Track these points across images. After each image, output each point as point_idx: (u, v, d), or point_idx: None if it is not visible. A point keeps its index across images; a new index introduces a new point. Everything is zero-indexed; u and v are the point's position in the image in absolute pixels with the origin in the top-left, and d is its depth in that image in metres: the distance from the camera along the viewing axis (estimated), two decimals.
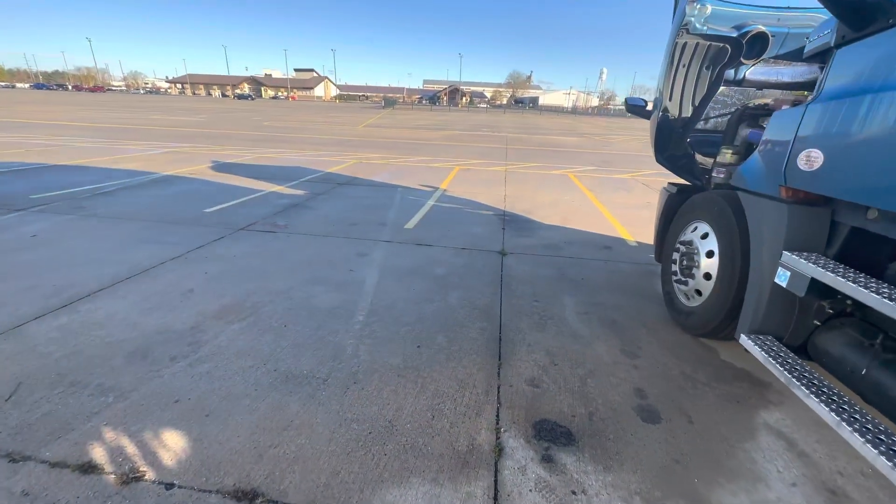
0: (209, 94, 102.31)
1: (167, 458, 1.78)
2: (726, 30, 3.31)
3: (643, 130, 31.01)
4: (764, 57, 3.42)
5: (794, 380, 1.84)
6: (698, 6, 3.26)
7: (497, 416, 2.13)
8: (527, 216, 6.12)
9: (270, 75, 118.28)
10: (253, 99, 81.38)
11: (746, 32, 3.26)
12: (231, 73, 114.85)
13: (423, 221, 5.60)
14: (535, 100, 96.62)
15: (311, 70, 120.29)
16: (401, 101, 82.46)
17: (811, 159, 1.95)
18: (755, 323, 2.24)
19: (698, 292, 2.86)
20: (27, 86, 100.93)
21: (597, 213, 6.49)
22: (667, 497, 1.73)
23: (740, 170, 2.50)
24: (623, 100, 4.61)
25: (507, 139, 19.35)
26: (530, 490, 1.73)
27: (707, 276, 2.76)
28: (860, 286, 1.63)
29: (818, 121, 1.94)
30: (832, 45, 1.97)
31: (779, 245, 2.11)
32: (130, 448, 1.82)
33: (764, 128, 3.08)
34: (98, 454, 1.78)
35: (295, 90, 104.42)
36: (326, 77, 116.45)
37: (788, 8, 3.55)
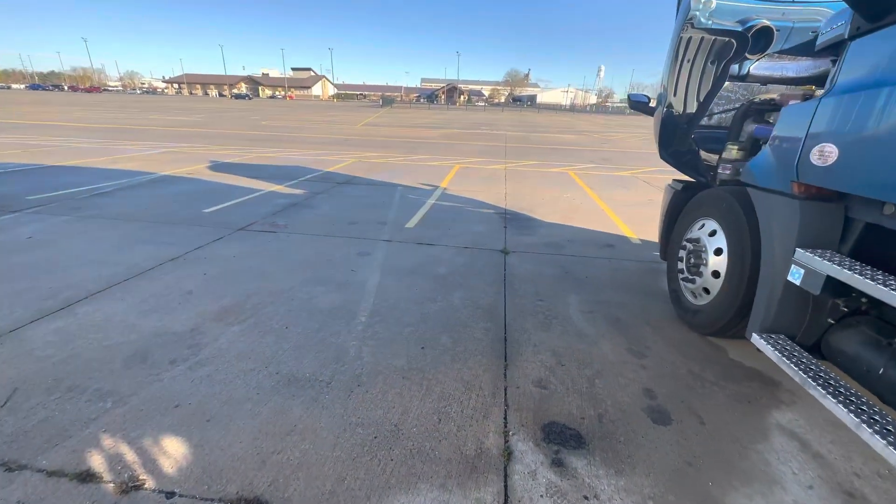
0: (206, 94, 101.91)
1: (168, 466, 1.73)
2: (731, 24, 3.26)
3: (641, 127, 30.98)
4: (768, 52, 3.38)
5: (809, 380, 1.80)
6: (703, 0, 3.21)
7: (505, 418, 2.09)
8: (528, 214, 6.08)
9: (268, 74, 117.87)
10: (250, 98, 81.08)
11: (751, 27, 3.21)
12: (228, 73, 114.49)
13: (424, 220, 5.55)
14: (533, 98, 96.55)
15: (309, 69, 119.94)
16: (399, 99, 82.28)
17: (825, 154, 1.90)
18: (767, 321, 2.20)
19: (706, 290, 2.82)
20: (23, 86, 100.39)
21: (598, 211, 6.44)
22: (681, 501, 1.69)
23: (749, 166, 2.46)
24: (625, 96, 4.56)
25: (506, 137, 19.29)
26: (541, 496, 1.68)
27: (715, 274, 2.71)
28: (880, 284, 1.58)
29: (832, 115, 1.89)
30: (846, 36, 1.93)
31: (791, 242, 2.06)
32: (130, 455, 1.77)
33: (770, 123, 3.05)
34: (96, 462, 1.73)
35: (292, 89, 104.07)
36: (324, 76, 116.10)
37: (793, 2, 3.50)
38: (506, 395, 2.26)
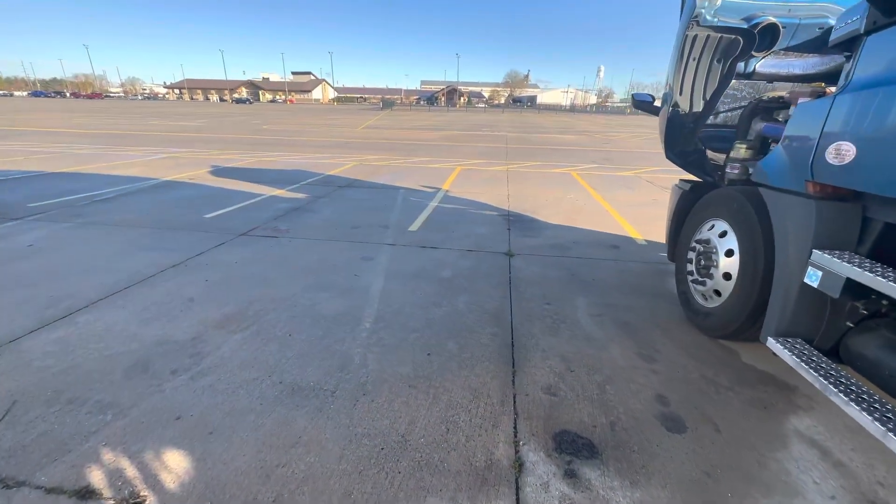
0: (207, 99, 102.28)
1: (169, 481, 1.68)
2: (736, 21, 3.22)
3: (642, 127, 30.93)
4: (775, 49, 3.33)
5: (830, 386, 1.74)
6: None
7: (515, 427, 2.03)
8: (531, 216, 6.02)
9: (268, 79, 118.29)
10: (251, 103, 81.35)
11: (757, 24, 3.16)
12: (229, 78, 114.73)
13: (427, 223, 5.51)
14: (532, 98, 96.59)
15: (309, 73, 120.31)
16: (399, 102, 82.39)
17: (841, 153, 1.85)
18: (782, 325, 2.14)
19: (717, 293, 2.76)
20: (25, 94, 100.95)
21: (602, 212, 6.39)
22: None
23: (761, 165, 2.40)
24: (626, 96, 4.52)
25: (507, 138, 19.26)
26: None
27: (727, 276, 2.65)
28: None
29: (848, 112, 1.84)
30: (861, 31, 1.87)
31: (807, 243, 2.01)
32: (130, 470, 1.72)
33: (779, 121, 3.00)
34: (96, 478, 1.69)
35: (293, 93, 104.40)
36: (324, 80, 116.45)
37: None
38: (515, 402, 2.21)
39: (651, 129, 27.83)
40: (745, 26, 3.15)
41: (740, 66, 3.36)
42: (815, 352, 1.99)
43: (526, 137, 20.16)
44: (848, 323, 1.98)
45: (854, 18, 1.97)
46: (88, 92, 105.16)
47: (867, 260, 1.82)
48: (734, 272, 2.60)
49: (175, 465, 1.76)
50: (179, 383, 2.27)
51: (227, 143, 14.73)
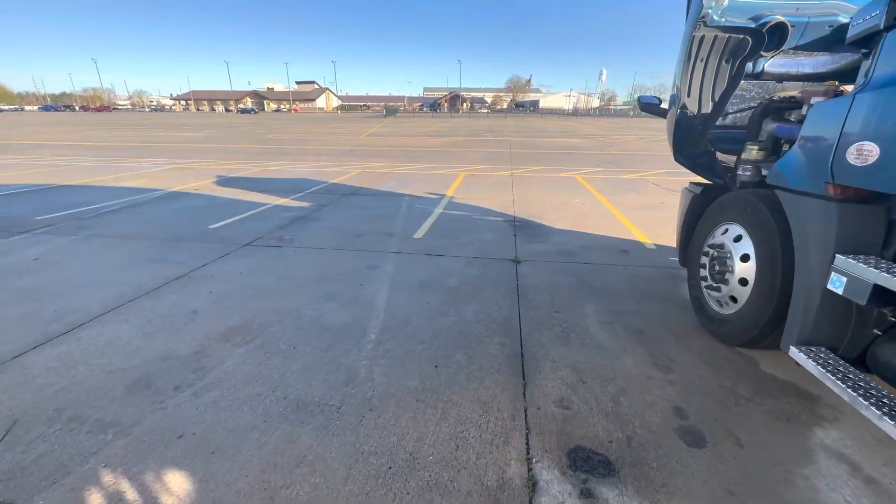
0: (213, 110, 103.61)
1: None
2: (743, 21, 3.16)
3: (646, 129, 30.80)
4: (784, 48, 3.26)
5: (859, 398, 1.65)
6: None
7: (527, 443, 1.96)
8: (537, 221, 5.96)
9: (272, 89, 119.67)
10: (256, 112, 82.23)
11: (765, 23, 3.10)
12: (234, 88, 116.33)
13: (432, 230, 5.46)
14: (535, 103, 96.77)
15: (313, 82, 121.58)
16: (402, 109, 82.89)
17: (864, 153, 1.77)
18: (804, 333, 2.05)
19: (733, 299, 2.67)
20: (35, 108, 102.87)
21: (609, 216, 6.30)
22: None
23: (777, 167, 2.32)
24: (628, 99, 4.46)
25: (511, 143, 19.25)
26: None
27: (743, 282, 2.57)
28: None
29: (870, 110, 1.77)
30: (881, 27, 1.81)
31: (829, 248, 1.93)
32: (130, 493, 1.67)
33: (791, 121, 2.92)
34: (95, 501, 1.63)
35: (297, 102, 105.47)
36: (328, 88, 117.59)
37: None
38: (526, 416, 2.13)
39: (655, 132, 27.71)
40: (754, 26, 3.09)
41: (749, 66, 3.29)
42: (841, 361, 1.90)
43: (529, 142, 20.13)
44: (875, 331, 1.89)
45: (873, 14, 1.90)
46: (97, 105, 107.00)
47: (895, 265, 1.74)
48: (751, 278, 2.51)
49: (176, 487, 1.70)
50: (182, 400, 2.22)
51: (232, 152, 14.84)
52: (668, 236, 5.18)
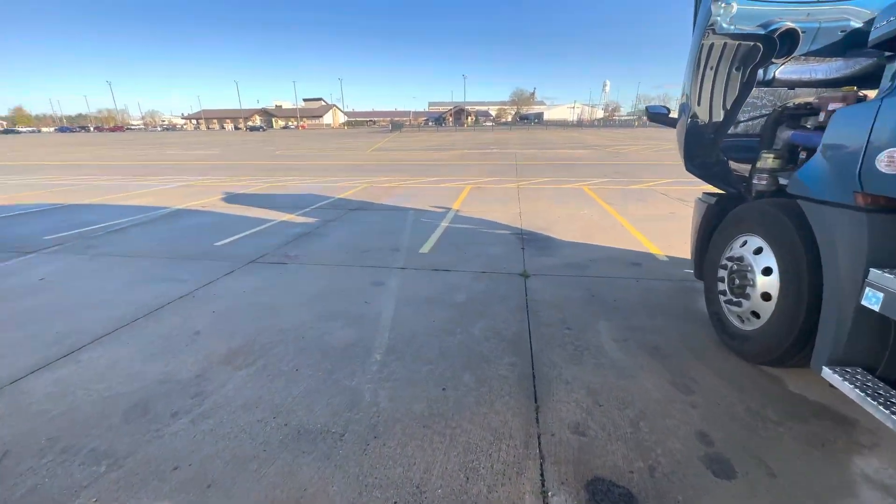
0: (222, 128, 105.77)
1: None
2: (753, 29, 3.09)
3: (651, 139, 30.72)
4: (795, 54, 3.18)
5: None
6: (723, 5, 3.05)
7: (542, 474, 1.83)
8: (545, 233, 5.86)
9: (281, 106, 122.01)
10: (264, 130, 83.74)
11: (775, 30, 3.03)
12: (243, 107, 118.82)
13: (438, 245, 5.38)
14: (539, 115, 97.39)
15: (320, 99, 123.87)
16: (407, 123, 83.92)
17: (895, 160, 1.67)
18: (837, 352, 1.92)
19: (755, 314, 2.53)
20: (52, 129, 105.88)
21: (618, 227, 6.18)
22: None
23: (799, 176, 2.22)
24: (633, 109, 4.38)
25: (516, 155, 19.27)
26: None
27: (766, 297, 2.44)
28: None
29: None
30: None
31: (861, 261, 1.81)
32: None
33: (808, 128, 2.82)
34: None
35: (304, 119, 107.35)
36: (334, 105, 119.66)
37: (818, 2, 3.31)
38: (540, 444, 2.01)
39: (660, 141, 27.62)
40: (763, 32, 3.02)
41: (759, 73, 3.22)
42: (880, 383, 1.77)
43: (535, 154, 20.14)
44: None
45: None
46: (111, 126, 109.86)
47: None
48: (774, 292, 2.38)
49: None
50: (179, 427, 2.13)
51: (241, 169, 15.02)
52: (681, 247, 5.05)
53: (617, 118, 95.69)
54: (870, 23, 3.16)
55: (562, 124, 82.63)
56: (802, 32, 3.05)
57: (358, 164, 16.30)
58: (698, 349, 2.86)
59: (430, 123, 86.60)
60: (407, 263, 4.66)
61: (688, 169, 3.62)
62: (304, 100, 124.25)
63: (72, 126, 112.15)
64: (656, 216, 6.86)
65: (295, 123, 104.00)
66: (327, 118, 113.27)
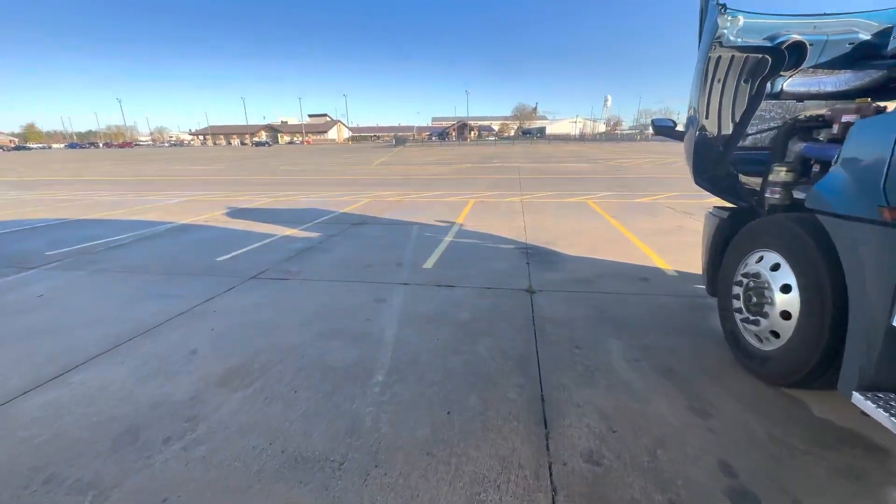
0: (229, 143, 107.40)
1: None
2: (759, 41, 3.05)
3: (653, 153, 30.79)
4: (803, 67, 3.14)
5: None
6: (730, 18, 3.02)
7: None
8: (551, 248, 5.77)
9: (286, 122, 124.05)
10: (269, 145, 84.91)
11: (782, 42, 2.99)
12: (250, 123, 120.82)
13: (442, 259, 5.30)
14: (542, 130, 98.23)
15: (325, 115, 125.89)
16: (411, 138, 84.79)
17: None
18: (867, 376, 1.80)
19: (775, 334, 2.42)
20: (62, 146, 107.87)
21: (625, 241, 6.09)
22: None
23: (818, 190, 2.13)
24: (650, 121, 4.33)
25: (520, 169, 19.32)
26: None
27: (785, 315, 2.33)
28: None
29: None
30: None
31: (890, 280, 1.70)
32: None
33: (821, 140, 2.75)
34: None
35: (309, 135, 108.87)
36: (339, 121, 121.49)
37: (825, 14, 3.29)
38: (551, 475, 1.88)
39: (663, 155, 27.68)
40: (770, 45, 2.98)
41: (767, 85, 3.18)
42: None
43: (538, 167, 20.19)
44: None
45: None
46: (120, 142, 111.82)
47: None
48: (794, 311, 2.28)
49: None
50: (171, 455, 2.02)
51: (245, 184, 15.11)
52: (690, 262, 4.94)
53: (619, 132, 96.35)
54: (879, 34, 3.13)
55: (564, 138, 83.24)
56: (810, 45, 3.01)
57: (362, 179, 16.37)
58: (714, 370, 2.74)
59: (434, 138, 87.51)
60: (410, 279, 4.57)
61: (697, 183, 3.54)
62: (310, 115, 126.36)
63: (82, 142, 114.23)
64: (663, 230, 6.76)
65: (300, 139, 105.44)
66: (332, 133, 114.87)
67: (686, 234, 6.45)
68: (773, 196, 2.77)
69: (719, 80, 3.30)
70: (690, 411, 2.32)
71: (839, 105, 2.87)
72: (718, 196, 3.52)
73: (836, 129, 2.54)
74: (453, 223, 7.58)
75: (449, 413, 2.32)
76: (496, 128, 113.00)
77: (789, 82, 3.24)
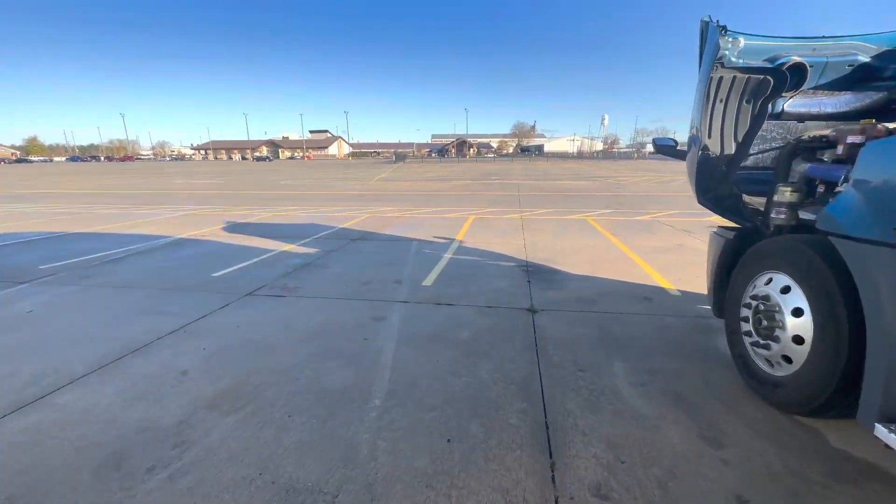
0: (230, 158, 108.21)
1: None
2: (760, 63, 3.07)
3: (651, 171, 31.09)
4: (803, 88, 3.15)
5: None
6: (731, 39, 3.04)
7: None
8: (551, 266, 5.70)
9: (287, 138, 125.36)
10: (270, 160, 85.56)
11: (783, 64, 3.00)
12: (251, 138, 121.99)
13: (442, 277, 5.22)
14: (540, 147, 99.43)
15: (326, 131, 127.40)
16: (411, 155, 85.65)
17: None
18: (890, 407, 1.72)
19: (787, 359, 2.34)
20: (63, 159, 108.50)
21: (626, 259, 6.03)
22: None
23: (830, 212, 2.08)
24: (652, 140, 4.34)
25: (519, 186, 19.42)
26: None
27: (798, 340, 2.25)
28: None
29: None
30: None
31: None
32: None
33: (825, 161, 2.73)
34: None
35: (310, 150, 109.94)
36: (340, 137, 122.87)
37: (823, 37, 3.32)
38: None
39: (660, 173, 27.94)
40: (771, 66, 3.00)
41: (769, 106, 3.18)
42: None
43: (537, 184, 20.30)
44: None
45: None
46: (121, 155, 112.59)
47: None
48: (807, 336, 2.20)
49: None
50: (154, 486, 1.91)
51: (245, 198, 15.10)
52: (692, 281, 4.88)
53: (616, 150, 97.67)
54: (877, 57, 3.15)
55: (562, 156, 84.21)
56: (810, 67, 3.02)
57: (362, 194, 16.40)
58: (724, 395, 2.64)
59: (433, 155, 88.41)
60: (409, 297, 4.49)
61: (700, 202, 3.51)
62: (311, 131, 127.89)
63: (83, 156, 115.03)
64: (663, 248, 6.72)
65: (301, 154, 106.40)
66: (332, 149, 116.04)
67: (686, 252, 6.41)
68: (778, 216, 2.73)
69: (721, 100, 3.30)
70: (702, 440, 2.22)
71: (843, 126, 2.86)
72: (722, 216, 3.48)
73: (840, 149, 2.52)
74: (453, 240, 7.53)
75: (449, 441, 2.21)
76: (495, 145, 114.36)
77: (790, 103, 3.24)
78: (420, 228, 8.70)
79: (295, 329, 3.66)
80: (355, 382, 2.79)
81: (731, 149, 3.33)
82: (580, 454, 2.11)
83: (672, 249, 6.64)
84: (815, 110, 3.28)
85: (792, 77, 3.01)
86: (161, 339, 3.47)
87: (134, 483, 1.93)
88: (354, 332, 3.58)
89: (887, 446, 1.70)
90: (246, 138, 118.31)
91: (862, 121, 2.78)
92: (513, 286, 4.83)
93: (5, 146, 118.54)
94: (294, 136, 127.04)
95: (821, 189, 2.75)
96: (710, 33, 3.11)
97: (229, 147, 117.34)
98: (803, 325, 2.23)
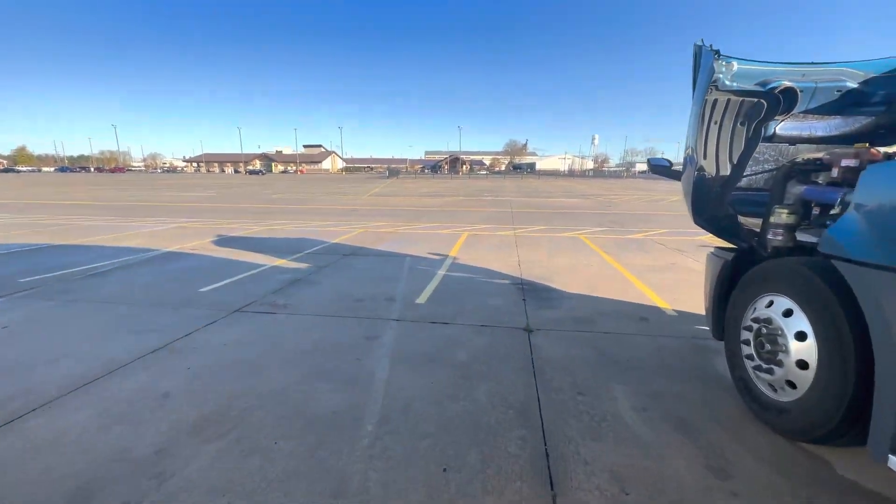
0: (222, 171, 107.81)
1: None
2: (753, 87, 3.13)
3: (641, 190, 31.61)
4: (794, 112, 3.21)
5: None
6: (724, 63, 3.09)
7: None
8: (546, 284, 5.65)
9: (281, 152, 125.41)
10: (263, 174, 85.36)
11: (774, 88, 3.06)
12: (244, 151, 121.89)
13: (436, 294, 5.14)
14: (532, 165, 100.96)
15: (320, 146, 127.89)
16: (404, 170, 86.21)
17: None
18: None
19: (791, 384, 2.29)
20: (52, 169, 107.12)
21: (621, 278, 6.01)
22: None
23: (831, 234, 2.07)
24: (647, 160, 4.36)
25: (511, 203, 19.54)
26: None
27: (802, 365, 2.20)
28: None
29: None
30: None
31: None
32: None
33: (820, 183, 2.75)
34: None
35: (304, 164, 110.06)
36: (333, 151, 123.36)
37: (813, 63, 3.40)
38: None
39: (650, 192, 28.40)
40: (763, 90, 3.05)
41: (762, 128, 3.23)
42: None
43: (529, 201, 20.46)
44: None
45: None
46: (112, 167, 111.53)
47: None
48: (812, 361, 2.16)
49: None
50: None
51: (237, 212, 14.94)
52: (687, 301, 4.86)
53: (606, 169, 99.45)
54: (865, 83, 3.22)
55: (553, 174, 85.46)
56: (800, 91, 3.07)
57: (355, 209, 16.34)
58: (727, 421, 2.57)
59: (427, 171, 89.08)
60: (403, 315, 4.39)
61: (696, 223, 3.51)
62: (304, 146, 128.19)
63: (72, 166, 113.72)
64: (657, 267, 6.73)
65: (294, 168, 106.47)
66: (326, 164, 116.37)
67: (680, 271, 6.42)
68: (775, 238, 2.73)
69: (716, 122, 3.34)
70: (709, 470, 2.14)
71: (837, 149, 2.90)
72: (718, 236, 3.48)
73: (835, 172, 2.54)
74: (447, 256, 7.46)
75: (445, 470, 2.10)
76: (487, 162, 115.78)
77: (781, 126, 3.29)
78: (413, 244, 8.64)
79: (284, 348, 3.53)
80: (347, 407, 2.66)
81: (726, 170, 3.36)
82: (583, 486, 2.02)
83: (666, 268, 6.64)
84: (805, 133, 3.33)
85: (783, 101, 3.06)
86: (143, 358, 3.32)
87: None
88: (346, 352, 3.46)
89: None
90: (239, 151, 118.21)
91: (856, 144, 2.81)
92: (508, 304, 4.76)
93: None
94: (288, 150, 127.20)
95: (816, 211, 2.77)
96: (703, 57, 3.16)
97: (222, 160, 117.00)
98: (807, 350, 2.19)
